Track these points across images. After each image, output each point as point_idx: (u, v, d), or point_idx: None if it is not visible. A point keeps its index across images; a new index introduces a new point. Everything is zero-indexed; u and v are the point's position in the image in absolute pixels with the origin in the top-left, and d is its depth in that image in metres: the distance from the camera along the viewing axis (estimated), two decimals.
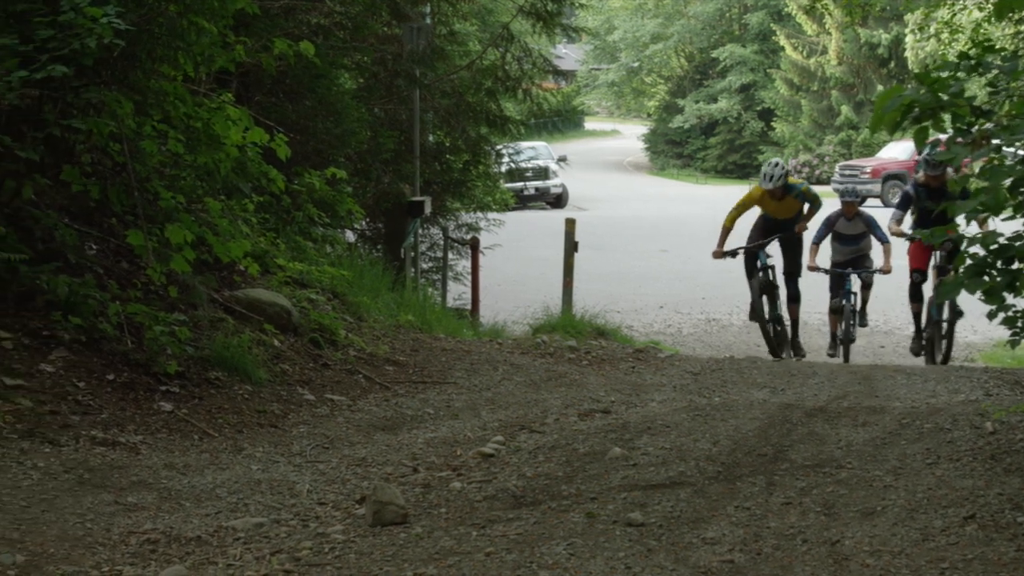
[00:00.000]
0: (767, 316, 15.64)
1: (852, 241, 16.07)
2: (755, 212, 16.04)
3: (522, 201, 42.98)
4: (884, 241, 15.66)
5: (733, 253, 15.71)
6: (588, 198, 50.01)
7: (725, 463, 7.82)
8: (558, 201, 49.06)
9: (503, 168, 24.86)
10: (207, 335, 10.17)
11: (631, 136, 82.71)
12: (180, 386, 9.31)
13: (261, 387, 9.93)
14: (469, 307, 19.79)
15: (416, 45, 18.90)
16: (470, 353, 12.81)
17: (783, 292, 15.97)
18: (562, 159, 45.12)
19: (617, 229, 35.02)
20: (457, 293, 21.16)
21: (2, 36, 8.90)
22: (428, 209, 19.60)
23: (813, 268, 15.87)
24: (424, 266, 21.78)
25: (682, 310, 22.32)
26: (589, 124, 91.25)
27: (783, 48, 64.62)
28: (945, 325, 15.44)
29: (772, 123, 66.16)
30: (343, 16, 16.79)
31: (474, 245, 20.60)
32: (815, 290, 17.25)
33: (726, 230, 15.59)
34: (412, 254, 19.79)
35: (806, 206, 15.63)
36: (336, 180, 14.61)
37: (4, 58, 8.84)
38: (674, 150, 73.10)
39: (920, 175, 14.94)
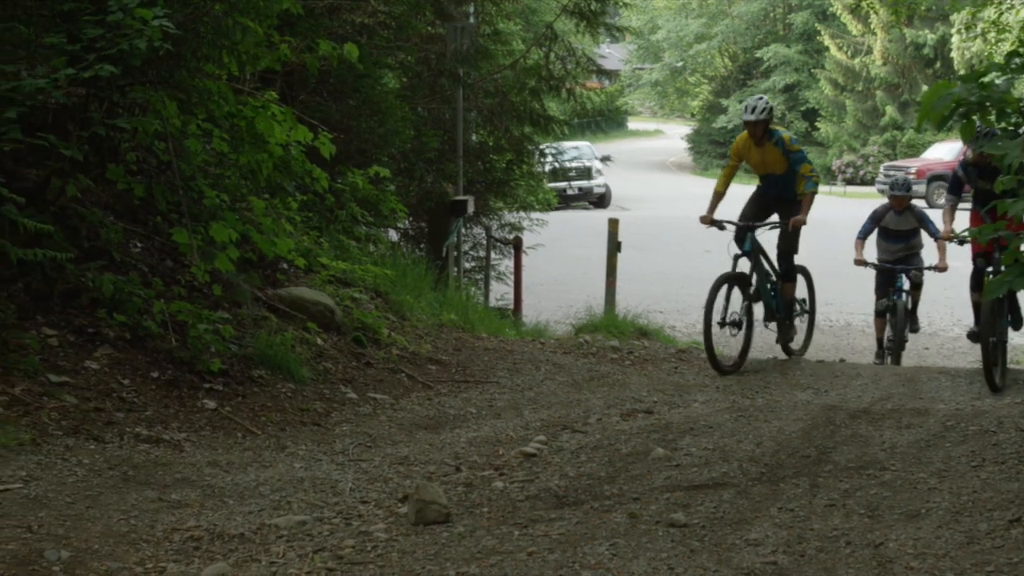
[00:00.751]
0: (724, 317, 12.84)
1: (901, 238, 14.92)
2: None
3: (565, 201, 42.92)
4: (938, 237, 14.13)
5: (721, 225, 13.59)
6: (631, 198, 49.89)
7: (768, 464, 7.80)
8: (601, 201, 48.97)
9: (546, 168, 24.84)
10: (250, 333, 10.20)
11: (674, 136, 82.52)
12: (223, 384, 9.34)
13: (304, 385, 9.95)
14: (511, 307, 19.77)
15: (460, 44, 18.91)
16: (512, 353, 12.80)
17: (756, 284, 13.64)
18: (605, 159, 45.16)
19: (660, 229, 34.91)
20: (500, 293, 21.16)
21: (50, 35, 8.96)
22: (471, 208, 19.61)
23: (860, 262, 14.73)
24: (467, 265, 21.79)
25: None
26: (632, 124, 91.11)
27: (827, 48, 64.30)
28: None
29: (816, 123, 65.86)
30: (387, 15, 16.82)
31: (517, 245, 20.58)
32: (857, 291, 17.11)
33: (717, 195, 13.73)
34: (455, 253, 19.80)
35: (805, 183, 13.25)
36: (379, 179, 14.64)
37: (52, 57, 8.89)
38: (717, 150, 72.84)
39: (969, 154, 13.31)
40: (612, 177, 50.71)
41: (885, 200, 15.40)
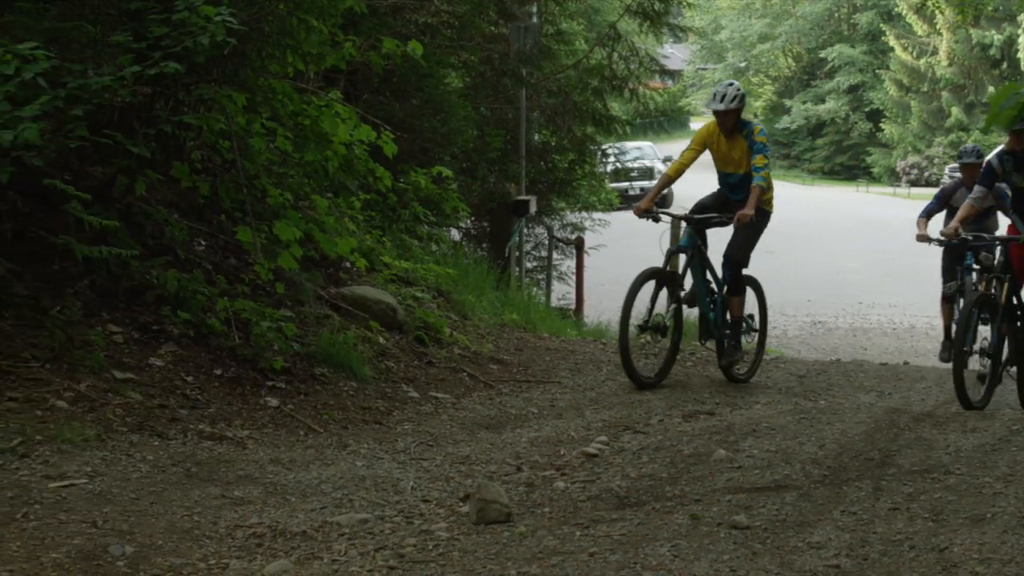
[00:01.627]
0: (646, 320, 11.36)
1: (972, 219, 12.46)
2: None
3: (627, 201, 42.80)
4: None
5: (656, 217, 11.94)
6: (693, 198, 49.10)
7: (831, 467, 7.74)
8: (663, 201, 48.85)
9: (608, 168, 24.82)
10: (313, 332, 10.24)
11: None
12: (286, 382, 9.37)
13: (366, 384, 9.98)
14: (573, 307, 19.78)
15: (523, 44, 18.93)
16: (574, 353, 12.79)
17: (693, 288, 11.85)
18: (667, 159, 44.92)
19: (722, 230, 34.81)
20: (561, 293, 21.15)
21: (117, 33, 9.02)
22: (533, 208, 19.62)
23: (922, 238, 12.86)
24: (528, 265, 21.80)
25: (787, 312, 22.15)
26: (695, 124, 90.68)
27: (893, 48, 63.96)
28: None
29: (881, 124, 65.53)
30: (450, 15, 16.85)
31: (579, 245, 20.59)
32: (919, 293, 16.95)
33: (666, 179, 11.91)
34: (517, 253, 19.81)
35: (756, 176, 11.47)
36: (442, 178, 14.66)
37: (118, 55, 8.95)
38: (780, 151, 72.60)
39: (1007, 142, 11.40)
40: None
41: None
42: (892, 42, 63.48)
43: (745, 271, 11.86)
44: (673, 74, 72.97)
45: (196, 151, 10.27)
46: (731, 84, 11.89)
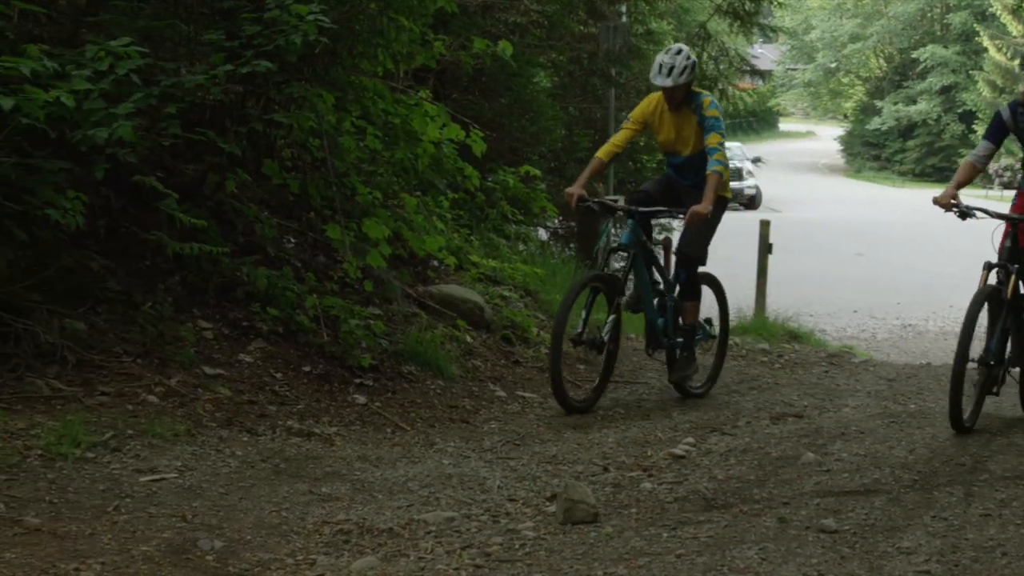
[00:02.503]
0: (581, 332, 9.98)
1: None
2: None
3: None
4: None
5: (589, 205, 10.35)
6: (782, 200, 49.49)
7: (921, 472, 7.67)
8: (751, 202, 48.65)
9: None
10: (401, 330, 10.27)
11: (826, 138, 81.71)
12: (374, 379, 9.41)
13: (453, 382, 10.00)
14: None
15: (612, 44, 18.92)
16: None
17: (636, 292, 10.48)
18: (756, 160, 44.87)
19: (811, 232, 34.63)
20: None
21: (209, 32, 9.10)
22: None
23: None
24: (616, 265, 21.75)
25: (876, 315, 21.97)
26: (784, 125, 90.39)
27: (986, 49, 63.23)
28: None
29: (973, 126, 64.79)
30: (540, 15, 16.86)
31: (666, 245, 20.46)
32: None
33: (597, 163, 10.28)
34: (604, 253, 19.76)
35: (710, 159, 10.01)
36: (530, 178, 14.67)
37: (210, 53, 9.03)
38: (871, 152, 72.03)
39: (1021, 89, 9.65)
40: (763, 178, 50.37)
41: None
42: (986, 42, 62.77)
43: (702, 269, 10.62)
44: (763, 74, 72.58)
45: (286, 149, 10.34)
46: (679, 51, 10.08)
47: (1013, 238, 9.26)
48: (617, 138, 10.36)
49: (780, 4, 24.37)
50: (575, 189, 10.13)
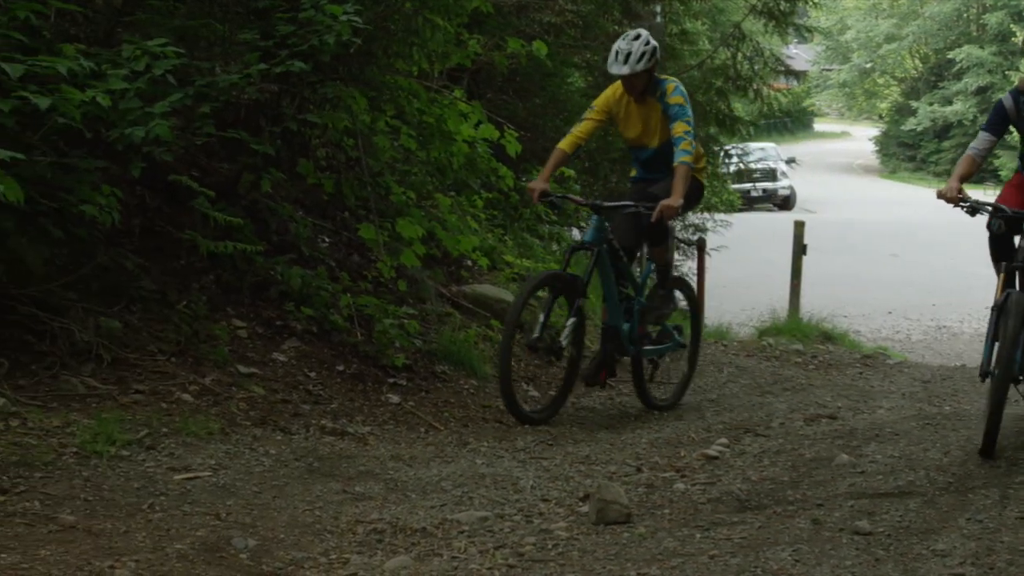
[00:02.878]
0: (539, 336, 9.28)
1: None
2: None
3: (749, 202, 42.60)
4: None
5: (552, 201, 9.93)
6: (816, 200, 49.32)
7: (956, 474, 7.62)
8: (785, 203, 48.52)
9: (731, 168, 24.70)
10: (434, 329, 10.28)
11: (861, 138, 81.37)
12: (407, 379, 9.42)
13: (487, 382, 10.00)
14: None
15: None
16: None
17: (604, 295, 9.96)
18: (791, 161, 44.75)
19: (846, 232, 34.51)
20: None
21: (244, 32, 9.12)
22: None
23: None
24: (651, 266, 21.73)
25: (911, 316, 21.88)
26: (818, 125, 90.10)
27: (1023, 50, 62.84)
28: None
29: (1009, 127, 64.45)
30: (574, 14, 16.84)
31: (700, 246, 20.47)
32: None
33: (560, 154, 9.67)
34: (639, 254, 19.74)
35: (677, 150, 9.35)
36: (564, 178, 14.65)
37: (245, 53, 9.05)
38: (906, 153, 71.68)
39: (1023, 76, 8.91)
40: (797, 179, 50.22)
41: None
42: (1023, 43, 62.42)
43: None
44: (798, 75, 72.38)
45: (321, 149, 10.37)
46: (638, 36, 9.55)
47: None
48: (579, 129, 9.69)
49: (815, 4, 24.24)
50: (538, 184, 9.54)
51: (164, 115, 7.91)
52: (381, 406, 8.87)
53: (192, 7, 9.25)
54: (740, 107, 23.51)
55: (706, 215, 22.97)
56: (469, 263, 12.21)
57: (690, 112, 9.47)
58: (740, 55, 20.81)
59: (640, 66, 9.37)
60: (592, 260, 9.55)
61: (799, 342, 14.22)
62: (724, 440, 8.76)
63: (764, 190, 47.81)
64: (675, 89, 9.51)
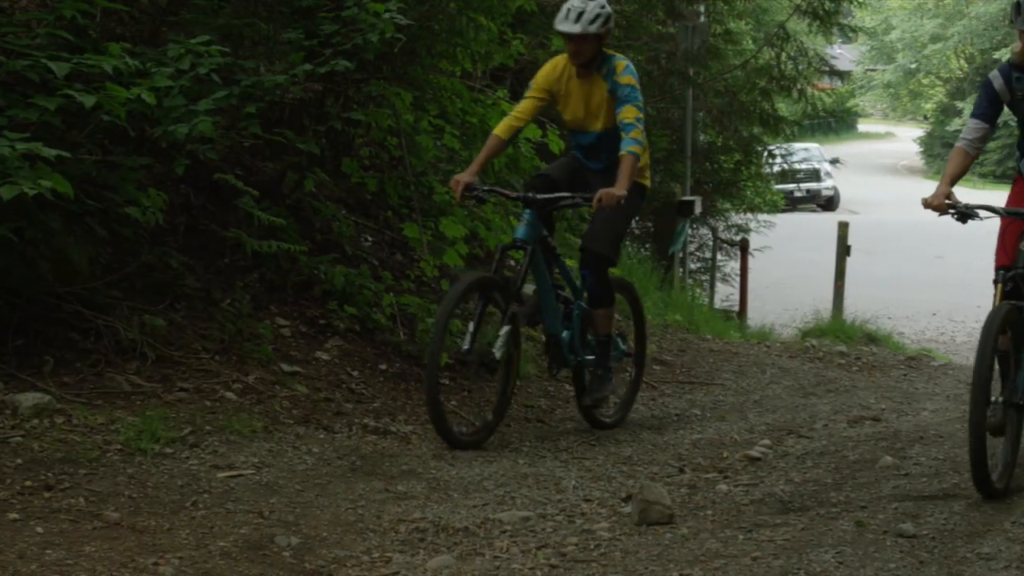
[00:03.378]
0: (470, 346, 8.32)
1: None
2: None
3: (792, 203, 42.44)
4: None
5: (479, 195, 8.70)
6: (860, 201, 49.12)
7: None
8: (829, 204, 48.35)
9: (774, 169, 24.65)
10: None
11: (906, 139, 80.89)
12: (450, 378, 9.41)
13: (529, 381, 9.98)
14: (737, 308, 19.64)
15: (690, 44, 18.87)
16: (738, 355, 12.69)
17: (536, 299, 8.87)
18: (834, 161, 44.57)
19: (890, 233, 34.36)
20: (725, 294, 21.03)
21: (289, 31, 9.15)
22: (698, 209, 19.52)
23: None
24: (692, 266, 21.72)
25: (956, 318, 21.76)
26: (862, 126, 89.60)
27: None
28: None
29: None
30: (618, 14, 16.79)
31: (743, 246, 20.44)
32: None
33: (496, 141, 8.70)
34: (681, 254, 19.75)
35: (625, 137, 8.40)
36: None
37: (289, 52, 9.08)
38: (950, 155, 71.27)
39: (1016, 47, 7.60)
40: (841, 180, 50.00)
41: None
42: None
43: (613, 272, 9.15)
44: (842, 75, 72.16)
45: (365, 148, 10.39)
46: None
47: None
48: (518, 110, 8.72)
49: (860, 4, 24.16)
50: (463, 176, 8.54)
51: (208, 113, 7.94)
52: (423, 405, 8.86)
53: (237, 6, 9.29)
54: (784, 107, 23.48)
55: (749, 215, 22.93)
56: (512, 263, 12.19)
57: (641, 97, 8.54)
58: (784, 55, 20.77)
59: (593, 28, 8.33)
60: (525, 259, 8.56)
61: (843, 343, 14.15)
62: (767, 441, 8.74)
63: (808, 191, 47.64)
64: (626, 68, 8.54)
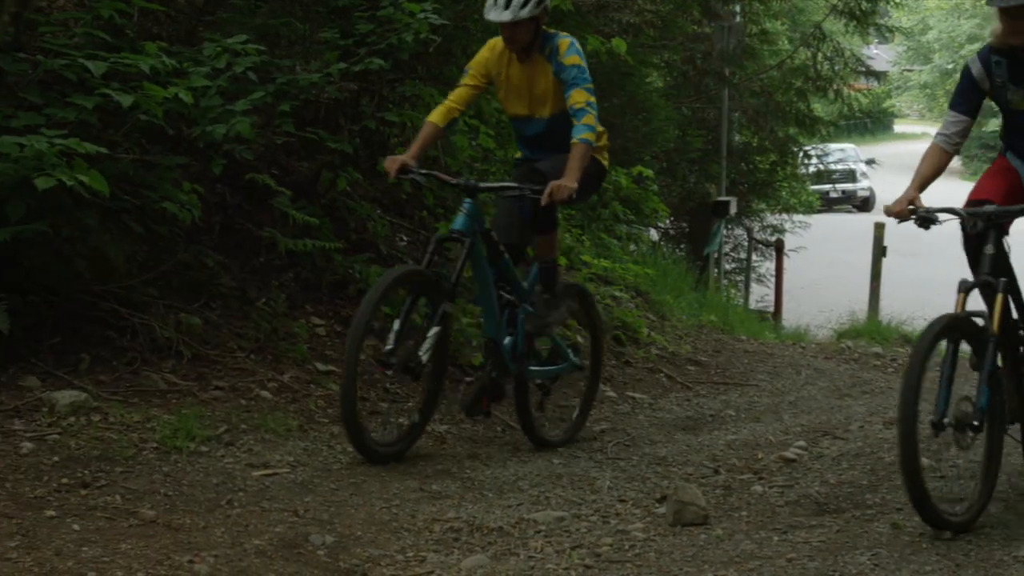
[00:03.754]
0: (392, 349, 7.37)
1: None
2: None
3: (827, 204, 42.30)
4: None
5: (414, 178, 7.82)
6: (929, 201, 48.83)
7: None
8: (865, 204, 48.16)
9: (810, 170, 24.59)
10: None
11: None
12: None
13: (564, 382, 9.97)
14: (772, 309, 19.60)
15: (726, 44, 18.85)
16: (772, 356, 12.65)
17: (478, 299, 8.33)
18: (870, 162, 44.40)
19: (926, 234, 34.01)
20: (760, 295, 20.96)
21: (324, 30, 9.17)
22: (733, 210, 19.50)
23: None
24: (727, 267, 21.68)
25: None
26: (898, 127, 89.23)
27: None
28: None
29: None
30: (654, 14, 16.82)
31: (779, 247, 20.40)
32: None
33: (431, 128, 7.91)
34: (715, 255, 19.71)
35: (576, 123, 7.65)
36: (642, 178, 14.62)
37: (325, 51, 9.10)
38: (988, 155, 70.72)
39: (995, 28, 6.78)
40: (877, 180, 49.77)
41: None
42: None
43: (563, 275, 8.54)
44: (878, 75, 72.03)
45: (399, 148, 10.38)
46: None
47: (997, 242, 6.85)
48: (454, 97, 7.98)
49: (897, 4, 24.12)
50: (400, 157, 7.83)
51: (245, 113, 7.96)
52: (457, 405, 8.87)
53: (273, 6, 9.31)
54: (820, 107, 23.41)
55: (784, 216, 22.87)
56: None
57: (590, 77, 7.79)
58: (820, 55, 20.73)
59: (525, 12, 7.61)
60: (463, 254, 7.69)
61: (878, 345, 14.10)
62: (802, 443, 8.70)
63: (843, 191, 47.48)
64: (570, 47, 7.80)
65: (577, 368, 8.76)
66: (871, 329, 15.12)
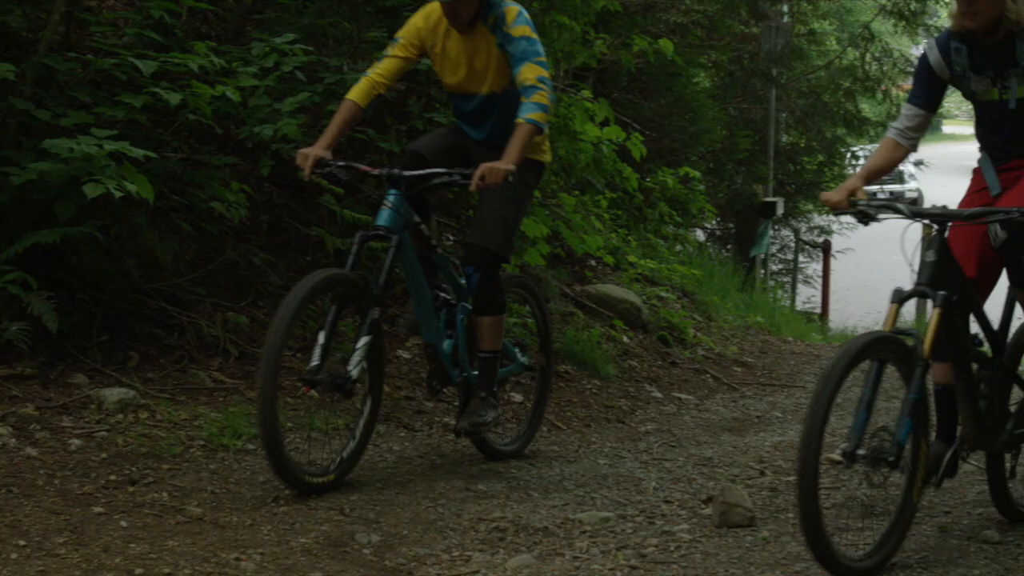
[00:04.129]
0: (317, 365, 6.61)
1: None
2: None
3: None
4: None
5: (332, 172, 6.95)
6: (944, 203, 48.53)
7: None
8: (913, 206, 47.89)
9: (857, 170, 24.50)
10: (558, 328, 10.26)
11: None
12: (530, 378, 9.40)
13: (609, 382, 9.97)
14: (818, 310, 19.52)
15: (774, 44, 18.80)
16: (819, 357, 12.60)
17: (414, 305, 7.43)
18: (918, 163, 44.16)
19: None
20: (806, 296, 20.87)
21: (372, 30, 9.18)
22: (781, 210, 19.43)
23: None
24: (774, 268, 21.61)
25: None
26: (947, 127, 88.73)
27: None
28: None
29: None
30: (701, 15, 16.80)
31: (826, 248, 20.33)
32: None
33: (350, 108, 7.04)
34: (762, 256, 19.65)
35: (525, 101, 6.79)
36: (689, 179, 14.60)
37: (372, 51, 9.11)
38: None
39: (952, 9, 6.07)
40: (925, 181, 49.53)
41: None
42: None
43: (505, 269, 7.82)
44: None
45: None
46: None
47: (941, 248, 6.17)
48: (380, 70, 7.08)
49: (946, 4, 23.96)
50: (312, 150, 6.90)
51: (292, 113, 7.98)
52: (504, 404, 8.85)
53: (321, 5, 9.33)
54: (868, 108, 23.30)
55: (832, 217, 22.76)
56: (593, 263, 12.19)
57: (542, 50, 6.93)
58: (868, 55, 20.65)
59: None
60: (390, 252, 6.88)
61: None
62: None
63: (891, 192, 47.18)
64: (518, 16, 6.89)
65: (526, 368, 8.02)
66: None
